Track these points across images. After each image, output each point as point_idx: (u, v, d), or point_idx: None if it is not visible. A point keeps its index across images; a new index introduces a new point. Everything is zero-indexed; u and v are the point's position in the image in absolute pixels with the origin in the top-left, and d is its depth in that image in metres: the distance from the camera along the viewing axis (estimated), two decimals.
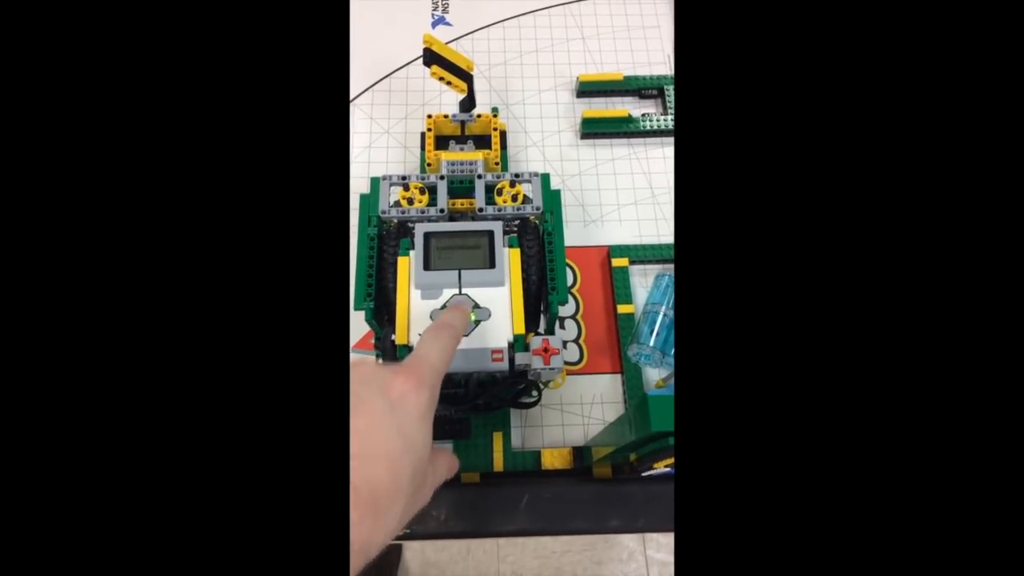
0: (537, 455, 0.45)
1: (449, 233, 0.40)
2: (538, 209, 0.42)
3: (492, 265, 0.38)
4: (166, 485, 0.19)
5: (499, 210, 0.42)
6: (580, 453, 0.45)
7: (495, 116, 0.50)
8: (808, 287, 0.20)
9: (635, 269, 0.53)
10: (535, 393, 0.43)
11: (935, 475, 0.18)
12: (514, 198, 0.43)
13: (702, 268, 0.21)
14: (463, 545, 1.09)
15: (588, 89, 0.60)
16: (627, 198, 0.56)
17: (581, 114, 0.58)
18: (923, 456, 0.19)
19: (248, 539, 0.19)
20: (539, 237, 0.42)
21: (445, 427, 0.42)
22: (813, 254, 0.20)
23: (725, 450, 0.19)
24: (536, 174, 0.43)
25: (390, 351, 0.37)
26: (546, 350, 0.36)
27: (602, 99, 0.60)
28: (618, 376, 0.49)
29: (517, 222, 0.43)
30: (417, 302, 0.38)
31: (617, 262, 0.52)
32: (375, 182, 0.43)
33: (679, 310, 0.21)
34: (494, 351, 0.36)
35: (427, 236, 0.39)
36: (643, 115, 0.58)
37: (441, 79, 0.48)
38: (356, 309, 0.39)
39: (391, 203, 0.42)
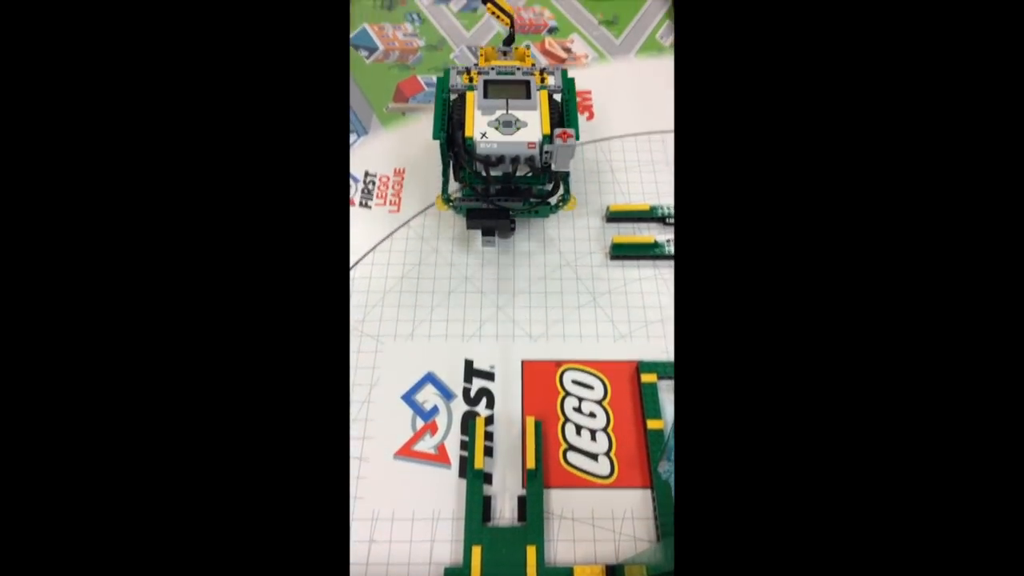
0: (570, 572, 0.45)
1: (500, 81, 0.60)
2: (558, 87, 0.61)
3: (529, 97, 0.58)
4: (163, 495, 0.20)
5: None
6: (612, 572, 0.45)
7: (527, 50, 0.66)
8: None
9: (663, 384, 0.55)
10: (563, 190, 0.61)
11: (931, 512, 0.19)
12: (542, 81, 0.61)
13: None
14: None
15: (618, 217, 0.66)
16: (654, 315, 0.60)
17: (611, 239, 0.63)
18: (917, 481, 0.19)
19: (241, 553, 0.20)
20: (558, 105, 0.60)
21: (487, 219, 0.58)
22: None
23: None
24: (558, 68, 0.63)
25: (460, 142, 0.56)
26: (562, 136, 0.53)
27: (630, 224, 0.66)
28: (648, 491, 0.50)
29: None
30: (478, 116, 0.57)
31: (646, 378, 0.54)
32: (447, 72, 0.62)
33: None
34: (528, 143, 0.55)
35: (486, 81, 0.60)
36: (668, 240, 0.63)
37: (492, 12, 0.67)
38: (434, 139, 0.58)
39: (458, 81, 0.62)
